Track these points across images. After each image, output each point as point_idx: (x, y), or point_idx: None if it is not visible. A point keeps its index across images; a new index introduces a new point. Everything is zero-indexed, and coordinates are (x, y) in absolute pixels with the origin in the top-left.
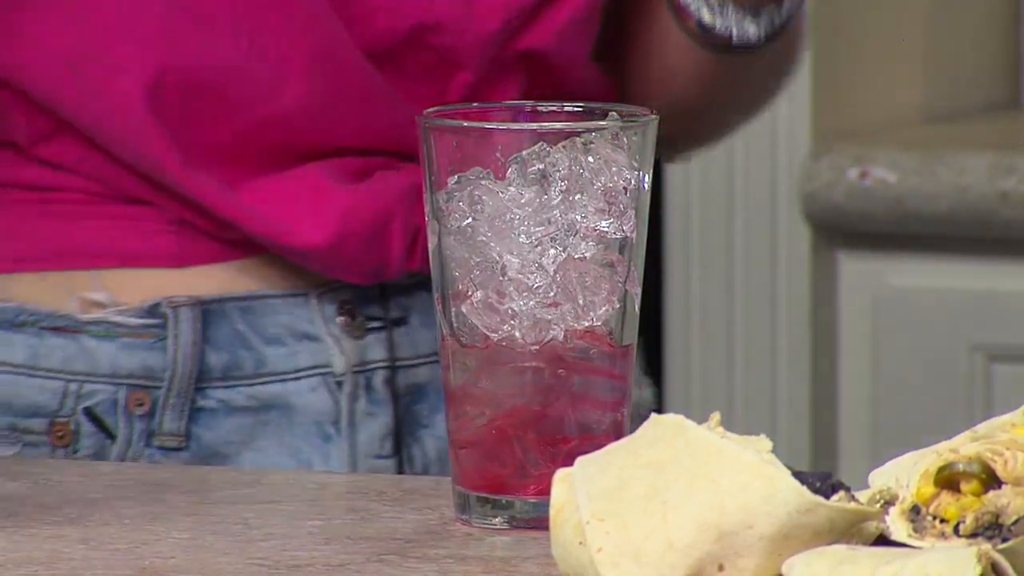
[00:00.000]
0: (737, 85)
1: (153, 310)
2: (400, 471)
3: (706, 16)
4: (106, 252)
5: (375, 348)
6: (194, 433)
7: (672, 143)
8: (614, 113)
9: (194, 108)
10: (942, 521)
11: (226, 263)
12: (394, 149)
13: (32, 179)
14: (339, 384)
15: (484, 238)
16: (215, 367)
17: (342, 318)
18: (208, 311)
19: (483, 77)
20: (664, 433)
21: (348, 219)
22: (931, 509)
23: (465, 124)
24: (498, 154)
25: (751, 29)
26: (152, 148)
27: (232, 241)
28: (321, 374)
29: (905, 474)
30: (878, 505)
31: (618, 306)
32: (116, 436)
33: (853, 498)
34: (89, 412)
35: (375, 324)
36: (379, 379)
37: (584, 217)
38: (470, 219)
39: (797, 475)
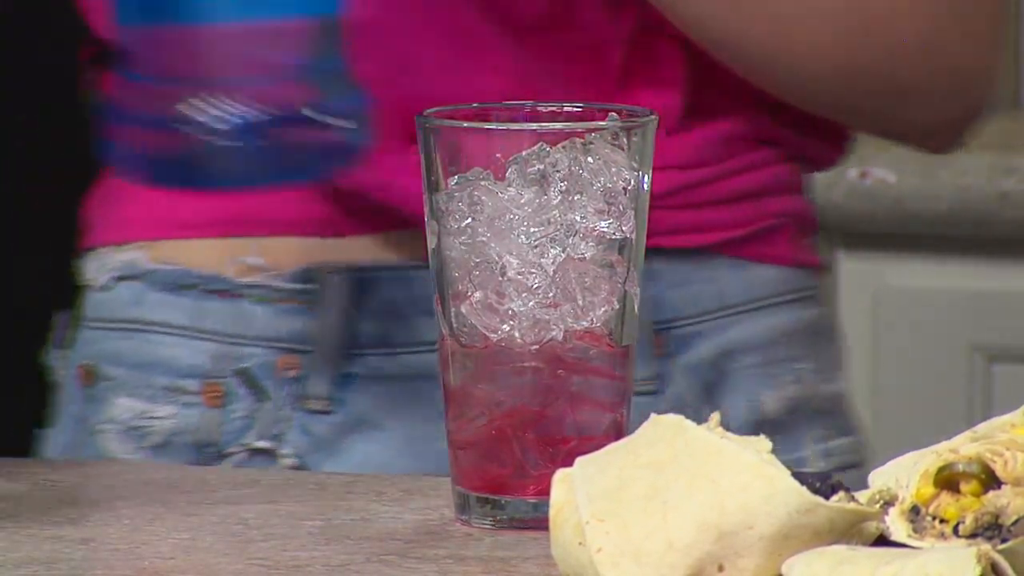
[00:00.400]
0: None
1: (307, 276)
2: None
3: None
4: (264, 220)
5: None
6: (342, 399)
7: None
8: (614, 113)
9: None
10: (942, 521)
11: (380, 234)
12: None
13: None
14: None
15: (484, 238)
16: (366, 335)
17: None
18: (361, 279)
19: (640, 55)
20: (664, 433)
21: None
22: (931, 509)
23: (465, 124)
24: (498, 154)
25: None
26: None
27: (382, 212)
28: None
29: (905, 474)
30: (878, 505)
31: (617, 306)
32: (267, 398)
33: (853, 498)
34: (242, 374)
35: None
36: None
37: (584, 217)
38: (470, 219)
39: (797, 475)
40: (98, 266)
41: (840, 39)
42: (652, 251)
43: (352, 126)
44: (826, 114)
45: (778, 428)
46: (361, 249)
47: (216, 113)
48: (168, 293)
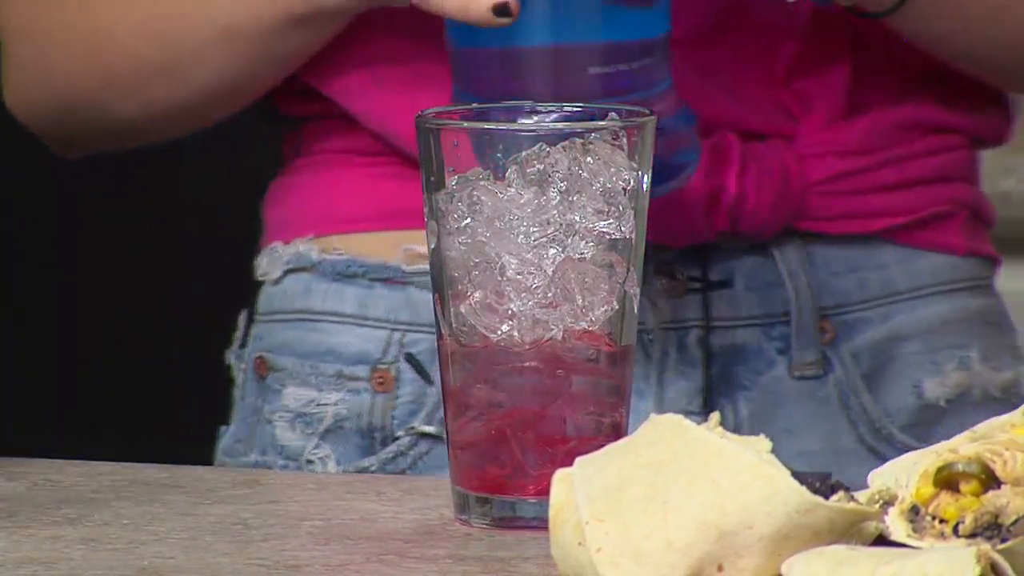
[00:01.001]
0: None
1: None
2: None
3: None
4: None
5: (691, 307)
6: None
7: None
8: (613, 114)
9: None
10: (941, 521)
11: None
12: (710, 122)
13: (366, 146)
14: (651, 341)
15: (483, 238)
16: None
17: (661, 278)
18: None
19: (809, 48)
20: (663, 433)
21: None
22: (930, 509)
23: (465, 124)
24: (498, 154)
25: None
26: None
27: None
28: (640, 331)
29: (904, 474)
30: (877, 505)
31: (617, 307)
32: (433, 383)
33: (852, 498)
34: (411, 359)
35: (695, 285)
36: (692, 338)
37: (583, 218)
38: (469, 219)
39: (796, 475)
40: (269, 261)
41: None
42: (817, 236)
43: (688, 143)
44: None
45: (940, 415)
46: None
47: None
48: (336, 282)
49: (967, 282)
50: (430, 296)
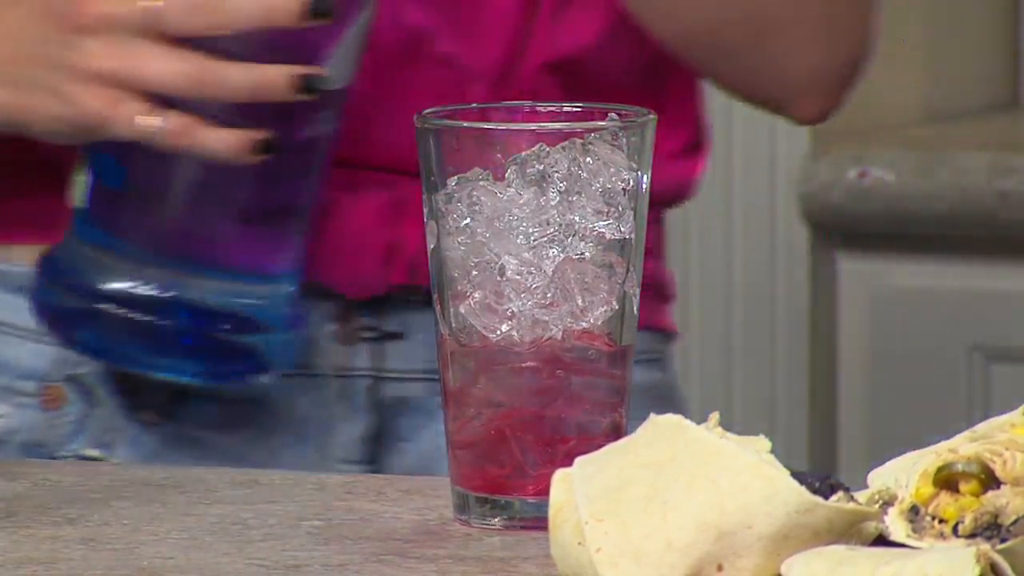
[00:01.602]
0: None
1: None
2: None
3: None
4: None
5: (362, 356)
6: (175, 413)
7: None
8: (613, 114)
9: None
10: (941, 521)
11: None
12: (401, 168)
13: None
14: (320, 387)
15: (483, 239)
16: None
17: (334, 324)
18: None
19: (504, 92)
20: (663, 433)
21: (316, 231)
22: (930, 509)
23: (465, 124)
24: (498, 155)
25: None
26: None
27: None
28: (305, 375)
29: (904, 474)
30: (877, 505)
31: (616, 307)
32: (100, 405)
33: (852, 498)
34: (76, 379)
35: (369, 335)
36: (360, 387)
37: (583, 218)
38: (469, 220)
39: (796, 475)
40: None
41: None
42: None
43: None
44: (698, 60)
45: None
46: None
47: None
48: (13, 294)
49: (641, 355)
50: None
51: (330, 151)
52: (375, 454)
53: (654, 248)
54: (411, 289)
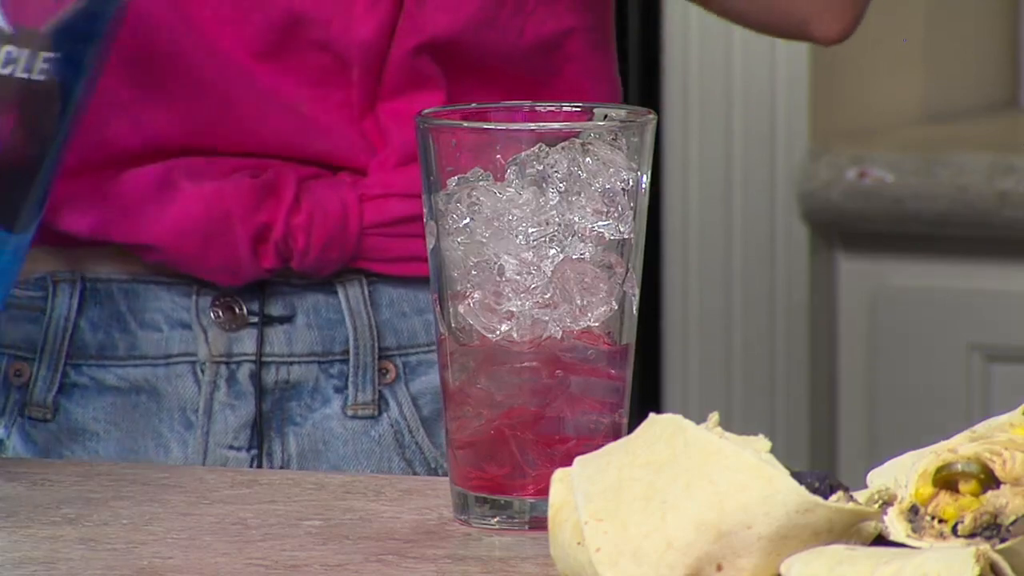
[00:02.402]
0: None
1: (39, 283)
2: (258, 465)
3: None
4: None
5: (245, 342)
6: (63, 407)
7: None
8: (612, 114)
9: None
10: (940, 521)
11: (117, 245)
12: (274, 153)
13: None
14: (202, 372)
15: (482, 239)
16: (89, 345)
17: (216, 310)
18: (91, 289)
19: (384, 75)
20: (662, 433)
21: (183, 217)
22: (929, 509)
23: (465, 124)
24: (497, 155)
25: None
26: None
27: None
28: (189, 362)
29: (904, 474)
30: (876, 505)
31: (616, 307)
32: None
33: (851, 498)
34: None
35: (254, 319)
36: (244, 372)
37: (582, 218)
38: (468, 220)
39: (796, 475)
40: None
41: None
42: (384, 277)
43: None
44: None
45: None
46: (98, 259)
47: None
48: None
49: None
50: None
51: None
52: (263, 439)
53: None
54: (286, 272)
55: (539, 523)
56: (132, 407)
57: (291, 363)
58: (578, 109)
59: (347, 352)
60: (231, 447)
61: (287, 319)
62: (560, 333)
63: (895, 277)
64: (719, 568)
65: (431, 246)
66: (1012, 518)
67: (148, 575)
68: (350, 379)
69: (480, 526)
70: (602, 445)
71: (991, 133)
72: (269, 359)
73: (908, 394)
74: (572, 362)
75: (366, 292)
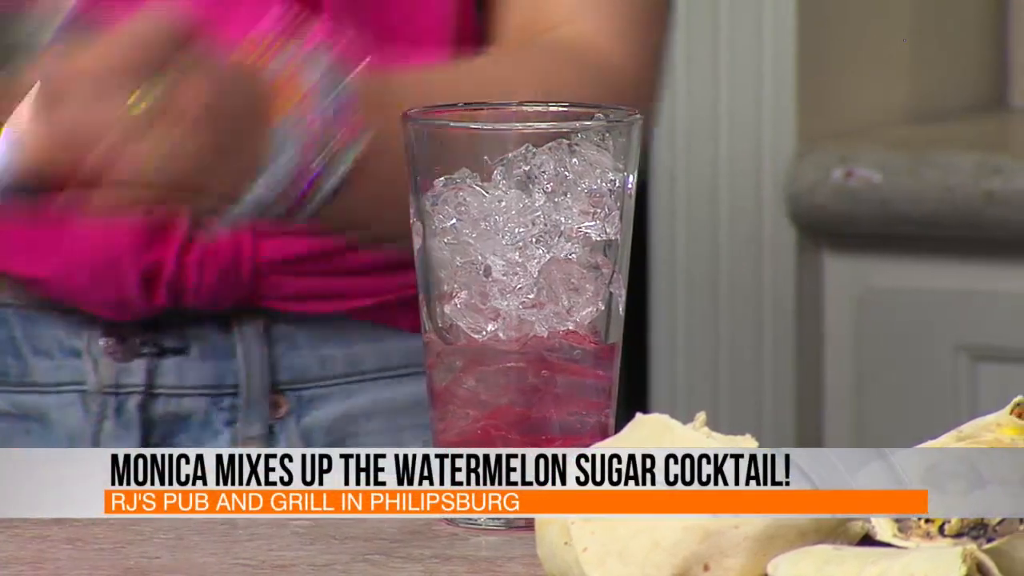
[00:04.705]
0: None
1: None
2: None
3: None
4: None
5: (135, 372)
6: None
7: None
8: (599, 114)
9: None
10: (927, 521)
11: (16, 272)
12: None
13: None
14: (90, 403)
15: (469, 239)
16: None
17: (108, 340)
18: None
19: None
20: (649, 433)
21: (71, 253)
22: None
23: (451, 125)
24: (484, 156)
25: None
26: None
27: None
28: (78, 391)
29: None
30: None
31: (602, 308)
32: None
33: None
34: None
35: (146, 351)
36: (132, 403)
37: (569, 219)
38: (454, 220)
39: None
40: None
41: None
42: (280, 313)
43: None
44: None
45: None
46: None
47: None
48: None
49: None
50: None
51: None
52: None
53: None
54: (178, 311)
55: (526, 523)
56: (24, 432)
57: (181, 395)
58: (565, 109)
59: (237, 386)
60: None
61: (180, 351)
62: (546, 333)
63: (882, 277)
64: (706, 568)
65: (417, 246)
66: (999, 518)
67: (135, 575)
68: (240, 412)
69: (467, 526)
70: (588, 445)
71: (978, 133)
72: (159, 391)
73: (895, 394)
74: (558, 362)
75: (261, 326)
